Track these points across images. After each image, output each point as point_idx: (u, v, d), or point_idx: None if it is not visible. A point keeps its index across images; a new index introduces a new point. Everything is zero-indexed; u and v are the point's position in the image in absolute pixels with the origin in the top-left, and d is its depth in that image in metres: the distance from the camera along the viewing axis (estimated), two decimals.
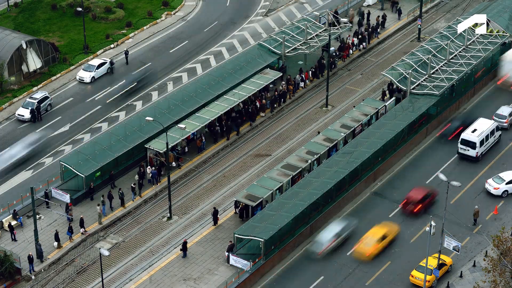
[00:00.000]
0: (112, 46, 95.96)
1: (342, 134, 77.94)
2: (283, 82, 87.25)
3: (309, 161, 74.61)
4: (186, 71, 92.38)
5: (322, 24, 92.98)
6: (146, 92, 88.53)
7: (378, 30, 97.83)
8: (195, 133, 79.12)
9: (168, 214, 72.74)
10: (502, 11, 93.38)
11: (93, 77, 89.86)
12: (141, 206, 73.91)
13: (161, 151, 74.89)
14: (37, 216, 69.21)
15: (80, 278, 67.19)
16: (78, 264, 68.39)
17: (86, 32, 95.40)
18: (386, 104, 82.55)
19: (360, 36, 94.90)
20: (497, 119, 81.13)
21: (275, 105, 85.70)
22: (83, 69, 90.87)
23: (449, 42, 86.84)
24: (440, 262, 65.18)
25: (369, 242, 68.86)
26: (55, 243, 68.97)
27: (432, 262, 64.50)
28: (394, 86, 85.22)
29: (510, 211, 72.68)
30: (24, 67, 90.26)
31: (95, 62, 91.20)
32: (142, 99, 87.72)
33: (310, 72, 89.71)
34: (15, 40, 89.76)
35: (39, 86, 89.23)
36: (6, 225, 70.74)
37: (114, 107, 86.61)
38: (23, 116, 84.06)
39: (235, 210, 72.49)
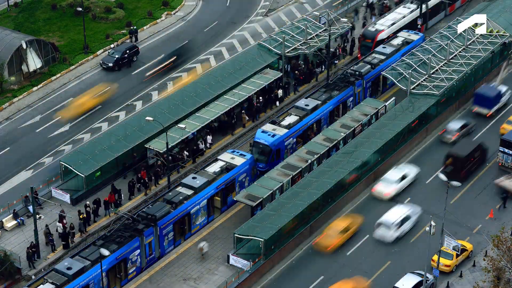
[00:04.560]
0: (112, 46, 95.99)
1: (342, 134, 77.94)
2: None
3: (309, 161, 74.61)
4: (186, 71, 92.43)
5: (322, 24, 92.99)
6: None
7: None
8: (195, 133, 78.98)
9: None
10: (502, 11, 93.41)
11: None
12: (141, 206, 73.81)
13: (161, 151, 74.88)
14: (37, 216, 69.20)
15: None
16: None
17: (86, 32, 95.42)
18: (386, 104, 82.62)
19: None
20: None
21: (275, 105, 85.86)
22: None
23: (449, 42, 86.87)
24: (461, 247, 66.22)
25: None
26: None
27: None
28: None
29: (510, 211, 72.72)
30: (24, 67, 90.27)
31: None
32: (142, 99, 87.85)
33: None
34: (15, 40, 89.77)
35: (39, 86, 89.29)
36: (6, 225, 70.95)
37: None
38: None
39: None
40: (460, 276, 66.34)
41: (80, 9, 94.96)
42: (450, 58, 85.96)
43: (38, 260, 68.04)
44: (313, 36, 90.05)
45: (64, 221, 69.54)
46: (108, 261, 63.71)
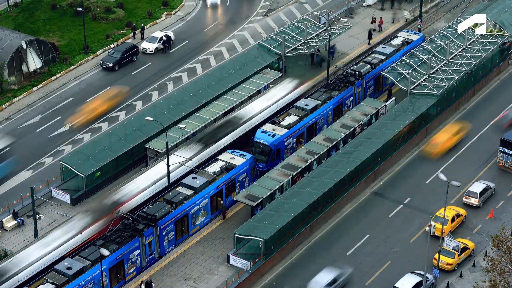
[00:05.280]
0: (112, 46, 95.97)
1: (342, 134, 77.91)
2: None
3: (309, 161, 74.60)
4: (186, 71, 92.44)
5: (322, 24, 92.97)
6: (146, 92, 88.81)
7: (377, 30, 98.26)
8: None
9: None
10: (502, 11, 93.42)
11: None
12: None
13: (161, 151, 74.87)
14: (37, 216, 69.22)
15: None
16: None
17: (86, 32, 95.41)
18: (386, 104, 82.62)
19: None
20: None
21: None
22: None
23: (449, 42, 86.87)
24: (463, 246, 66.68)
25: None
26: None
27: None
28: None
29: (510, 211, 72.73)
30: (24, 67, 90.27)
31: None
32: (142, 99, 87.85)
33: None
34: (15, 40, 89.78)
35: (39, 86, 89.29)
36: (6, 225, 70.96)
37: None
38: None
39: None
40: (460, 276, 66.35)
41: (80, 9, 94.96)
42: (450, 58, 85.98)
43: None
44: (313, 36, 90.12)
45: None
46: (108, 261, 63.73)
